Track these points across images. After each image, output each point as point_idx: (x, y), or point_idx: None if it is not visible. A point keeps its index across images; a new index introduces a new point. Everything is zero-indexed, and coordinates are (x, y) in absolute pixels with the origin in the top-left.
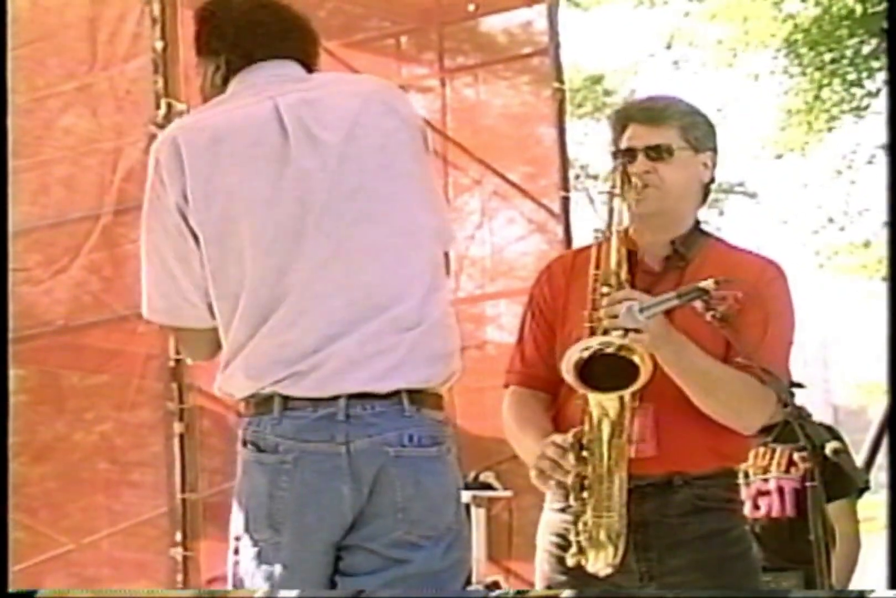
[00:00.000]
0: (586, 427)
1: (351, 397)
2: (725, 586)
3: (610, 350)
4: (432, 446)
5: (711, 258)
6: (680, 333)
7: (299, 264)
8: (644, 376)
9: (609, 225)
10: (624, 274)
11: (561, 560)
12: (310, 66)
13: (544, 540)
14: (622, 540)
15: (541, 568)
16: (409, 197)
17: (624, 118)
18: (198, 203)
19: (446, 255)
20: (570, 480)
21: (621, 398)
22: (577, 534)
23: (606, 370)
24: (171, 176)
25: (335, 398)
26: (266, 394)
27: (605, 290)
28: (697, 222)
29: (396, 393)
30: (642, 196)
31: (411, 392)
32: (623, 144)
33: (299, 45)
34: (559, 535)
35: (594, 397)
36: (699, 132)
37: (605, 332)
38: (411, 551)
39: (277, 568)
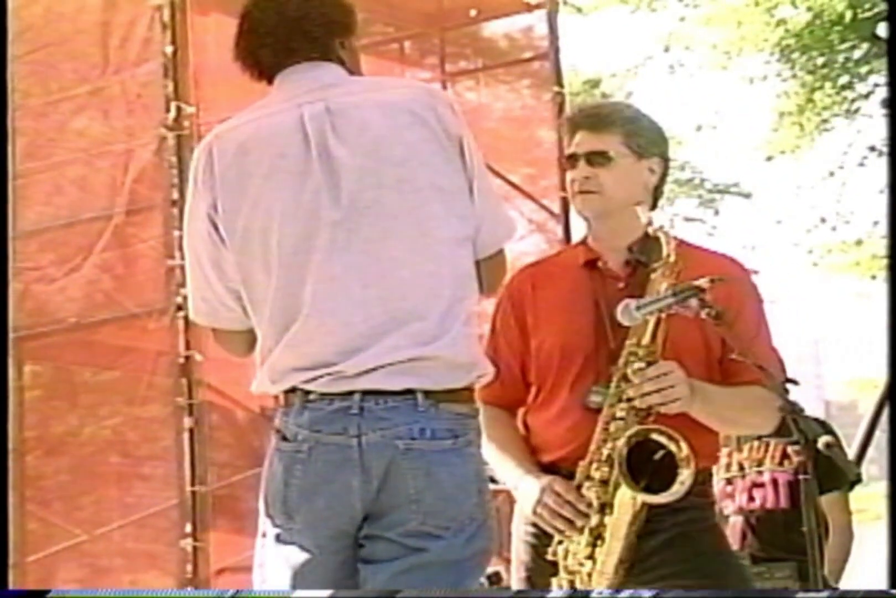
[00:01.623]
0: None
1: (366, 392)
2: (705, 579)
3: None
4: (447, 439)
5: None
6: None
7: (313, 278)
8: (687, 475)
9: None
10: (658, 350)
11: (538, 550)
12: (347, 66)
13: (520, 530)
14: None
15: (519, 558)
16: (430, 210)
17: (572, 125)
18: (226, 213)
19: (480, 262)
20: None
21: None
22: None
23: (644, 457)
24: (205, 184)
25: (350, 393)
26: (292, 386)
27: (637, 366)
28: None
29: (411, 390)
30: (582, 200)
31: (427, 390)
32: (569, 150)
33: (337, 45)
34: (535, 524)
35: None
36: (643, 139)
37: (644, 411)
38: (428, 540)
39: (294, 553)
